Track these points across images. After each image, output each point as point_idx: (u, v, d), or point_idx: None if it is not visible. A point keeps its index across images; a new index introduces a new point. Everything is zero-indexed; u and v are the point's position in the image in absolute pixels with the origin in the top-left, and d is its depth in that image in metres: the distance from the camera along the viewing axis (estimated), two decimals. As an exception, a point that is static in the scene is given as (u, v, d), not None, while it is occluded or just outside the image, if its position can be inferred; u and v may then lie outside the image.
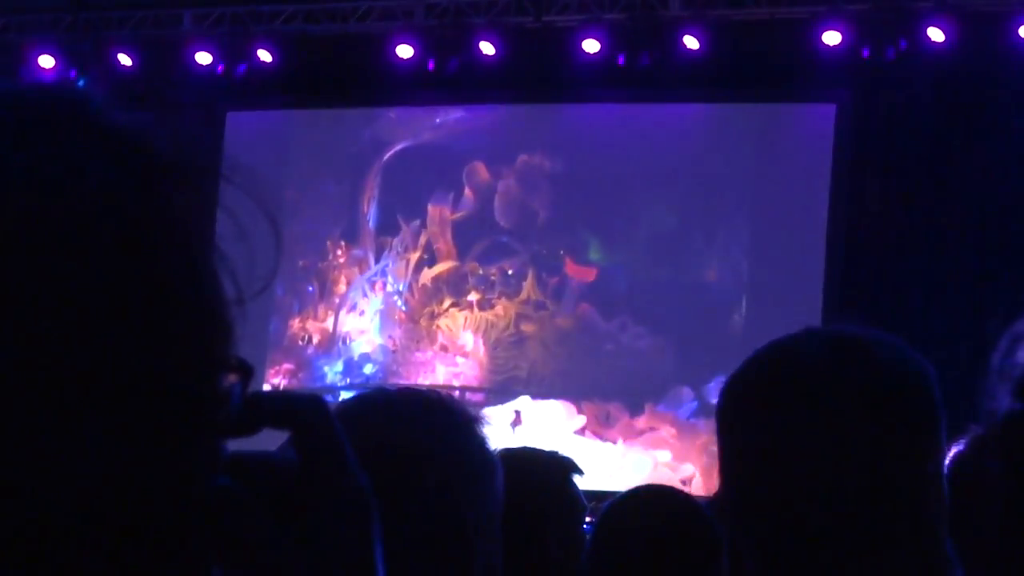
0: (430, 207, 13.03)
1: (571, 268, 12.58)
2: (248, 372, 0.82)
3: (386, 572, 2.09)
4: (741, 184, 11.97)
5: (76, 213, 0.75)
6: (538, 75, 12.20)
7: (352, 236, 13.22)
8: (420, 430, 2.10)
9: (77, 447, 0.74)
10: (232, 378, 0.82)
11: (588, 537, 3.26)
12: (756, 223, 11.87)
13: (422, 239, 13.01)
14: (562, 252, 12.63)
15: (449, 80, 12.15)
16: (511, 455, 2.70)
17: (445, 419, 2.13)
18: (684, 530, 3.15)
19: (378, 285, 13.24)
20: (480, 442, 2.14)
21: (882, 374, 1.83)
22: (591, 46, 11.74)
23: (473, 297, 12.88)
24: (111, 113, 0.81)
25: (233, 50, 12.55)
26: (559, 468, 3.19)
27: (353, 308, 13.22)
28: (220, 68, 12.58)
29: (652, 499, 3.31)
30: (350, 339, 13.15)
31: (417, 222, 13.04)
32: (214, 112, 12.46)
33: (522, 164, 12.77)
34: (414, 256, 13.06)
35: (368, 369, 12.97)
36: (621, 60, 11.67)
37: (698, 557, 3.13)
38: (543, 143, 12.72)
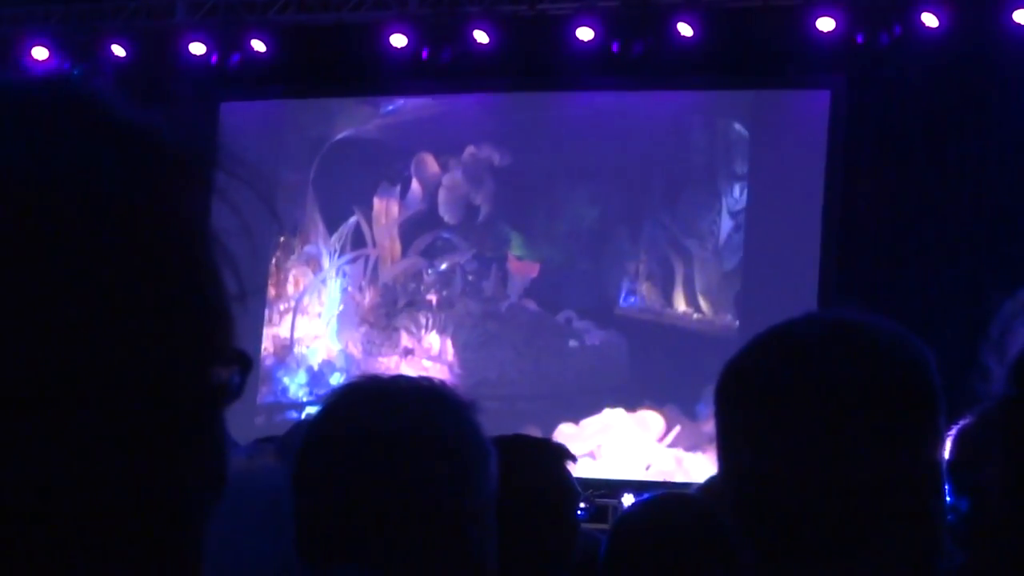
0: (376, 201, 12.85)
1: (514, 264, 12.50)
2: (247, 363, 0.82)
3: (381, 558, 2.08)
4: (735, 170, 11.97)
5: (81, 209, 0.75)
6: (532, 63, 12.19)
7: (303, 231, 12.88)
8: (413, 417, 2.10)
9: (74, 441, 0.73)
10: (230, 369, 0.82)
11: (603, 545, 3.26)
12: (751, 209, 11.85)
13: (379, 237, 12.83)
14: (505, 247, 12.55)
15: (443, 69, 12.13)
16: (504, 442, 2.70)
17: (438, 406, 2.13)
18: (699, 539, 3.13)
19: (333, 285, 12.94)
20: (474, 428, 2.13)
21: (881, 359, 1.82)
22: (585, 34, 11.73)
23: (432, 296, 12.71)
24: (118, 106, 0.81)
25: (227, 40, 12.54)
26: (553, 455, 3.18)
27: (306, 311, 12.88)
28: (214, 58, 12.56)
29: (667, 507, 3.30)
30: (305, 345, 12.76)
31: (366, 217, 12.85)
32: (208, 102, 12.44)
33: (469, 156, 12.67)
34: (373, 253, 12.86)
35: (335, 379, 12.46)
36: (615, 48, 11.66)
37: (712, 567, 3.11)
38: (492, 134, 12.63)
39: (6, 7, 12.94)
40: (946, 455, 1.89)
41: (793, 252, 11.51)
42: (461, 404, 2.15)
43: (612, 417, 11.89)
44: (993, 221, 10.93)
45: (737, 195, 11.97)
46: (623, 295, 12.14)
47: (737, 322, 11.79)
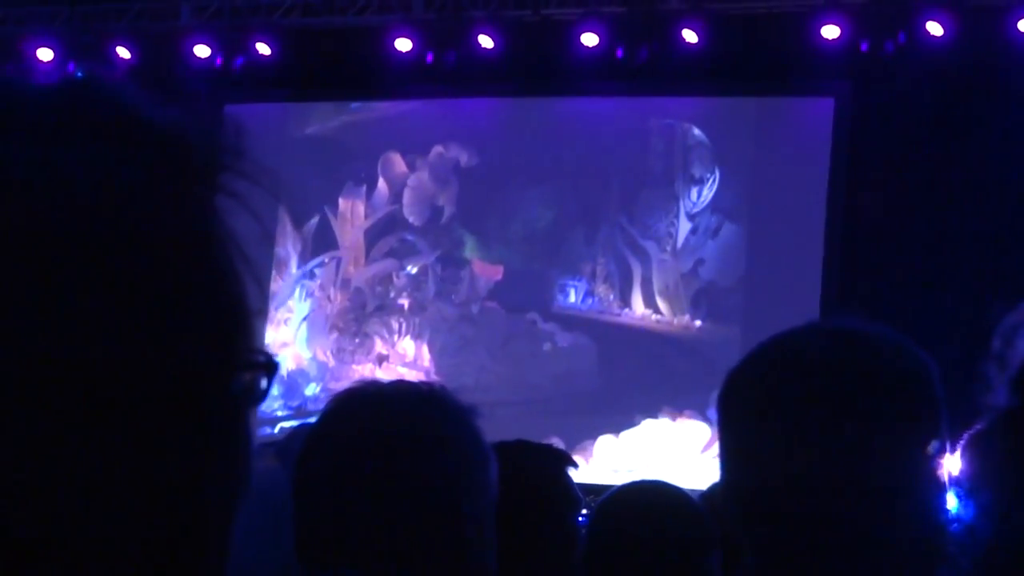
0: (341, 201, 12.73)
1: (478, 266, 12.47)
2: (273, 368, 0.82)
3: (381, 562, 2.08)
4: (739, 177, 11.97)
5: (105, 212, 0.74)
6: (537, 69, 12.18)
7: (272, 233, 12.55)
8: (412, 421, 2.10)
9: (98, 443, 0.73)
10: (256, 373, 0.82)
11: (584, 532, 3.26)
12: (754, 216, 11.85)
13: (345, 239, 12.70)
14: (463, 249, 12.51)
15: (447, 74, 12.13)
16: (505, 447, 2.70)
17: (437, 410, 2.13)
18: (677, 524, 3.15)
19: (300, 290, 12.73)
20: (474, 433, 2.14)
21: (883, 368, 1.82)
22: (590, 40, 11.72)
23: (404, 300, 12.58)
24: (144, 107, 0.81)
25: (231, 43, 12.54)
26: (553, 460, 3.18)
27: (273, 318, 12.61)
28: (218, 61, 12.56)
29: (646, 494, 3.31)
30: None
31: (332, 217, 12.71)
32: (212, 105, 12.42)
33: (436, 156, 12.61)
34: (339, 256, 12.72)
35: (311, 389, 12.29)
36: (620, 53, 11.65)
37: (691, 551, 3.13)
38: (460, 134, 12.56)
39: (11, 8, 12.95)
40: (952, 464, 1.89)
41: (796, 260, 11.50)
42: (460, 408, 2.16)
43: (654, 428, 11.79)
44: (997, 229, 10.92)
45: (695, 198, 12.06)
46: (581, 297, 12.19)
47: (697, 322, 11.87)
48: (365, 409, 2.14)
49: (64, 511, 0.73)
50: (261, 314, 0.82)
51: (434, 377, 11.89)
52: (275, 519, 2.35)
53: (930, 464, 1.80)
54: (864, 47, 11.13)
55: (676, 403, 11.60)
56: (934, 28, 10.98)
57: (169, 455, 0.75)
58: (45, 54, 12.63)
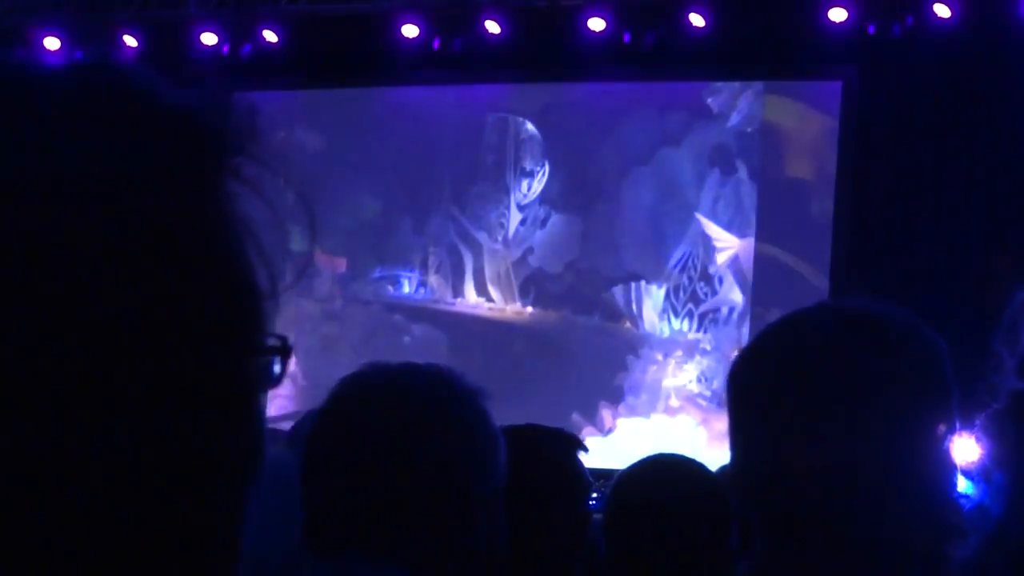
0: None
1: (321, 258, 12.40)
2: (287, 352, 0.83)
3: (391, 545, 2.08)
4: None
5: (113, 200, 0.74)
6: (544, 54, 12.18)
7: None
8: (422, 404, 2.10)
9: (111, 434, 0.73)
10: (269, 358, 0.83)
11: (602, 506, 3.27)
12: (762, 200, 11.84)
13: None
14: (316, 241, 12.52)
15: (454, 59, 12.14)
16: (515, 431, 2.70)
17: (447, 393, 2.13)
18: (696, 499, 3.15)
19: None
20: (483, 416, 2.14)
21: (894, 348, 1.82)
22: (597, 24, 11.71)
23: None
24: (157, 90, 0.80)
25: (238, 31, 12.53)
26: (563, 444, 3.18)
27: None
28: (225, 49, 12.56)
29: (665, 468, 3.31)
30: None
31: None
32: (220, 93, 12.38)
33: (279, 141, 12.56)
34: None
35: None
36: (627, 38, 11.65)
37: (713, 523, 3.13)
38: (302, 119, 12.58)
39: (18, -3, 12.97)
40: (963, 443, 1.89)
41: (805, 242, 11.51)
42: (469, 390, 2.15)
43: (636, 426, 11.74)
44: (1005, 211, 10.92)
45: (525, 190, 12.41)
46: (414, 287, 12.46)
47: (528, 309, 12.19)
48: (373, 391, 2.14)
49: (75, 495, 0.72)
50: (273, 299, 0.82)
51: (301, 383, 11.78)
52: (285, 505, 2.36)
53: (941, 443, 1.80)
54: (871, 30, 11.11)
55: (539, 392, 11.65)
56: (941, 11, 10.96)
57: (180, 439, 0.75)
58: (52, 42, 12.63)
